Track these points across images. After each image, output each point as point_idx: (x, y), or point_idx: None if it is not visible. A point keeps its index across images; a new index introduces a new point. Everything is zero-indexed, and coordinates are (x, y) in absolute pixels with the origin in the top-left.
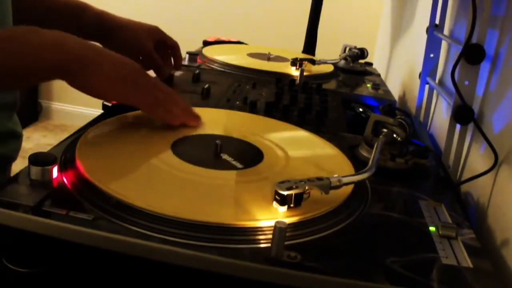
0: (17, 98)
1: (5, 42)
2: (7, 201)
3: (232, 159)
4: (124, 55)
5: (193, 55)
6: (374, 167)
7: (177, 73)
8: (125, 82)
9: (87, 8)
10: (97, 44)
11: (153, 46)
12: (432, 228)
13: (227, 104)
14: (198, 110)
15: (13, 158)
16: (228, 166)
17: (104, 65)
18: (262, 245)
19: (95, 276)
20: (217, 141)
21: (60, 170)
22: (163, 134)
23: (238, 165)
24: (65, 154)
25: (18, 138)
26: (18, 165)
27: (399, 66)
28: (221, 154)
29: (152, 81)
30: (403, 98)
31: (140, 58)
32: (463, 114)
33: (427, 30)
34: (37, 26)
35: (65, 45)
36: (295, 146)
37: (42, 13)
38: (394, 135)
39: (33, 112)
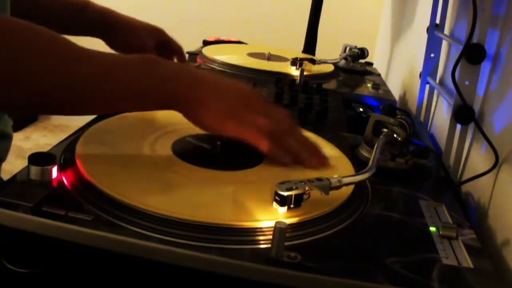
0: None
1: (119, 71)
2: (6, 201)
3: (232, 159)
4: (124, 52)
5: (193, 55)
6: (374, 167)
7: None
8: (226, 116)
9: (89, 4)
10: (209, 73)
11: (154, 46)
12: (432, 228)
13: None
14: None
15: (2, 158)
16: (228, 166)
17: (212, 103)
18: (262, 246)
19: (95, 276)
20: (217, 141)
21: (59, 170)
22: (163, 134)
23: (238, 165)
24: (64, 154)
25: (7, 138)
26: (18, 165)
27: (399, 66)
28: (221, 154)
29: (256, 106)
30: (403, 98)
31: None
32: (463, 114)
33: (428, 30)
34: (40, 23)
35: (178, 80)
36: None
37: (45, 11)
38: (395, 135)
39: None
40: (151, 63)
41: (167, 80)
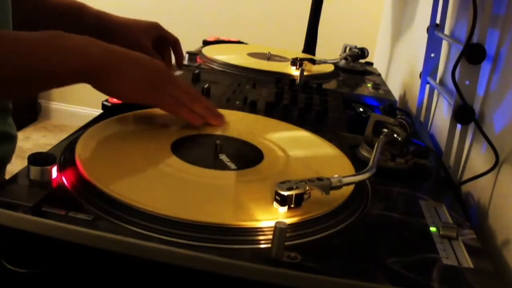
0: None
1: (30, 46)
2: (6, 201)
3: (232, 159)
4: None
5: (193, 55)
6: (374, 167)
7: (177, 73)
8: (143, 84)
9: (85, 8)
10: (118, 46)
11: (152, 43)
12: (432, 229)
13: (227, 104)
14: None
15: (7, 160)
16: (228, 166)
17: (123, 68)
18: (262, 246)
19: (95, 276)
20: (217, 141)
21: (59, 170)
22: (163, 134)
23: (238, 165)
24: (64, 154)
25: (12, 140)
26: (18, 165)
27: (399, 66)
28: (221, 154)
29: (172, 81)
30: (403, 98)
31: None
32: (463, 114)
33: (428, 30)
34: (36, 27)
35: (87, 50)
36: (295, 146)
37: (41, 15)
38: (395, 135)
39: (32, 112)
40: (57, 38)
41: (77, 52)
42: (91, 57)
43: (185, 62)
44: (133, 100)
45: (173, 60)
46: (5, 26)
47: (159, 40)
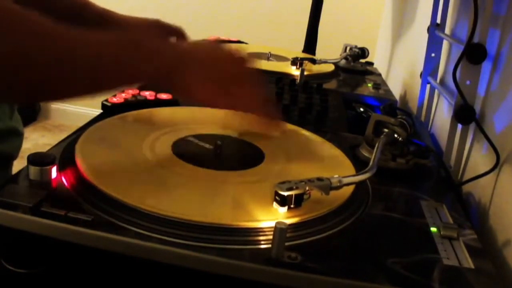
0: None
1: (100, 45)
2: (5, 201)
3: (233, 160)
4: None
5: None
6: (375, 167)
7: None
8: (215, 85)
9: (87, 6)
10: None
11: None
12: (433, 229)
13: None
14: (198, 110)
15: (14, 156)
16: (228, 167)
17: (194, 70)
18: (262, 246)
19: (94, 276)
20: (218, 141)
21: (59, 170)
22: (163, 134)
23: (238, 165)
24: (64, 154)
25: (19, 136)
26: (17, 165)
27: (400, 66)
28: (221, 154)
29: (247, 79)
30: (404, 97)
31: None
32: (464, 114)
33: (428, 29)
34: None
35: (159, 52)
36: (295, 146)
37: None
38: (395, 135)
39: (32, 112)
40: (135, 43)
41: (152, 57)
42: (163, 60)
43: None
44: (205, 101)
45: None
46: None
47: (163, 35)
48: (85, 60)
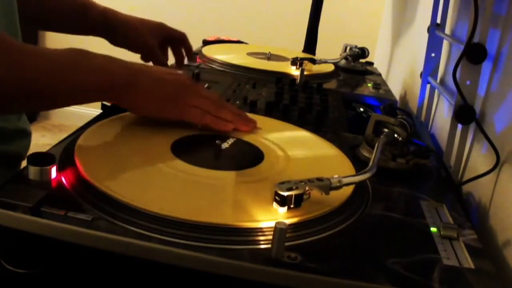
0: None
1: (51, 63)
2: (5, 201)
3: (232, 160)
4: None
5: (192, 54)
6: (375, 167)
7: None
8: (165, 100)
9: (90, 6)
10: (138, 63)
11: (159, 43)
12: (433, 229)
13: None
14: None
15: (22, 156)
16: (228, 167)
17: (144, 86)
18: (262, 246)
19: (94, 276)
20: (217, 141)
21: (58, 170)
22: (162, 134)
23: (238, 165)
24: (63, 154)
25: (27, 136)
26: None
27: (400, 66)
28: (221, 154)
29: (194, 91)
30: (404, 97)
31: (143, 54)
32: (464, 114)
33: (429, 29)
34: (41, 22)
35: (109, 69)
36: (295, 146)
37: (47, 13)
38: (395, 135)
39: (32, 112)
40: (79, 56)
41: (99, 71)
42: (113, 77)
43: (185, 61)
44: (157, 115)
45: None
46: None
47: (166, 40)
48: (36, 80)
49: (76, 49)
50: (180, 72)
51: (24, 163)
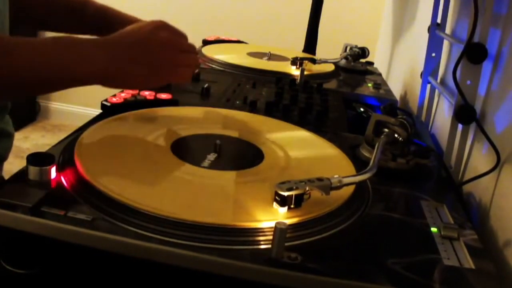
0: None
1: (35, 51)
2: (5, 201)
3: (232, 160)
4: None
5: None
6: (375, 167)
7: None
8: (150, 73)
9: (88, 3)
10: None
11: None
12: (434, 229)
13: (227, 103)
14: (197, 110)
15: (4, 157)
16: (228, 167)
17: (126, 68)
18: (262, 246)
19: (94, 277)
20: (217, 141)
21: (58, 170)
22: (162, 134)
23: (238, 165)
24: (63, 154)
25: (9, 137)
26: (17, 165)
27: (400, 66)
28: (221, 155)
29: (175, 49)
30: (404, 97)
31: None
32: (465, 113)
33: (429, 29)
34: (40, 22)
35: (93, 58)
36: (295, 146)
37: (44, 9)
38: (396, 135)
39: (31, 112)
40: (63, 44)
41: (82, 60)
42: (96, 64)
43: None
44: (146, 89)
45: None
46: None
47: None
48: (22, 69)
49: (59, 37)
50: (154, 22)
51: (5, 165)
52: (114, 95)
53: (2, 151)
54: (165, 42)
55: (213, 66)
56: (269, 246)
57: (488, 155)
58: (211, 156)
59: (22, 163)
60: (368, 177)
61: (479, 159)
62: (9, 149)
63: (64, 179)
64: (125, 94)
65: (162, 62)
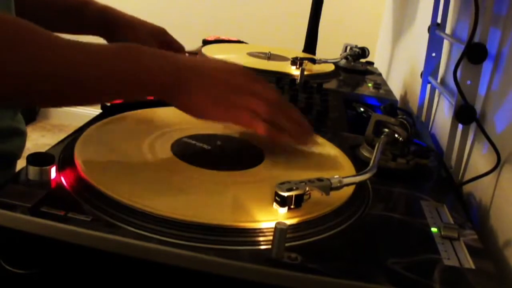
0: None
1: (98, 58)
2: (5, 201)
3: (232, 160)
4: None
5: (192, 54)
6: (375, 167)
7: None
8: (212, 102)
9: (88, 3)
10: (187, 57)
11: (157, 47)
12: (434, 229)
13: None
14: None
15: (17, 155)
16: (228, 167)
17: (193, 87)
18: (262, 247)
19: (93, 277)
20: (217, 141)
21: (58, 171)
22: (162, 134)
23: (238, 165)
24: (63, 154)
25: (22, 135)
26: (16, 165)
27: (400, 66)
28: (221, 155)
29: (248, 89)
30: (404, 97)
31: None
32: (465, 113)
33: (429, 29)
34: (41, 22)
35: (160, 70)
36: (295, 146)
37: (44, 10)
38: (396, 135)
39: (31, 111)
40: (134, 53)
41: (152, 69)
42: (163, 77)
43: None
44: (202, 118)
45: None
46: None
47: (163, 46)
48: (73, 68)
49: (126, 44)
50: (234, 65)
51: (19, 163)
52: None
53: (15, 149)
54: (240, 79)
55: None
56: (269, 246)
57: (488, 155)
58: (211, 156)
59: (22, 163)
60: (368, 177)
61: (479, 159)
62: (22, 148)
63: (64, 179)
64: None
65: (230, 96)
